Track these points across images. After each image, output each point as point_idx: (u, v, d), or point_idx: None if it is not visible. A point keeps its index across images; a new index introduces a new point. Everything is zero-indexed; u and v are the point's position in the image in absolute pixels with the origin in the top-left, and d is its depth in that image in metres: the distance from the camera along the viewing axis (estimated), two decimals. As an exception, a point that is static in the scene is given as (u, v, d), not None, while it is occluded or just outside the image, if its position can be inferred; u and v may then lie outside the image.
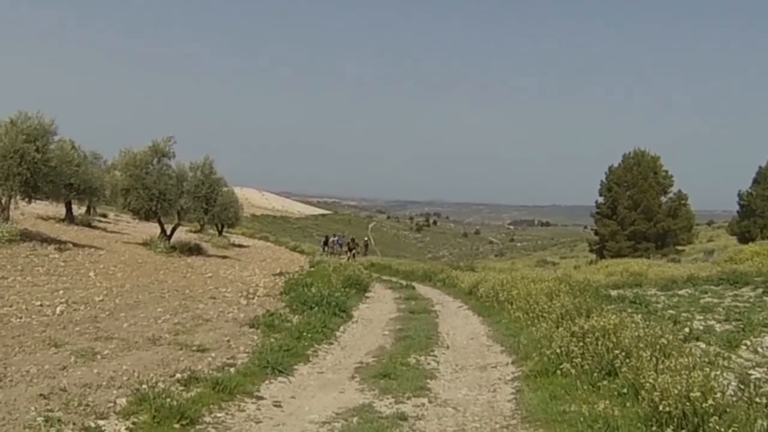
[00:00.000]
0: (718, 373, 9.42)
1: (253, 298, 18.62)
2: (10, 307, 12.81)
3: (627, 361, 10.12)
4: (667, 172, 64.82)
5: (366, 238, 55.52)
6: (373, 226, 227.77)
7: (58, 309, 13.27)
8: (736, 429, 6.62)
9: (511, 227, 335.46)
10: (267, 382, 10.78)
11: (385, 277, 37.82)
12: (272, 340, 13.53)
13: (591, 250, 71.20)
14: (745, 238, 55.38)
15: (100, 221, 37.10)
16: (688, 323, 16.34)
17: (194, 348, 11.91)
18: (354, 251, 51.64)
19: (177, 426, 7.96)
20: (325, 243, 52.82)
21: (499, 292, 21.81)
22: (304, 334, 14.60)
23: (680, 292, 21.25)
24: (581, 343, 11.53)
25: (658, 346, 10.54)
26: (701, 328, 15.93)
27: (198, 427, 8.18)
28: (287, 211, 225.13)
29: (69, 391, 8.48)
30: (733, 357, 13.43)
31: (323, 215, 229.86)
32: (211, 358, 11.47)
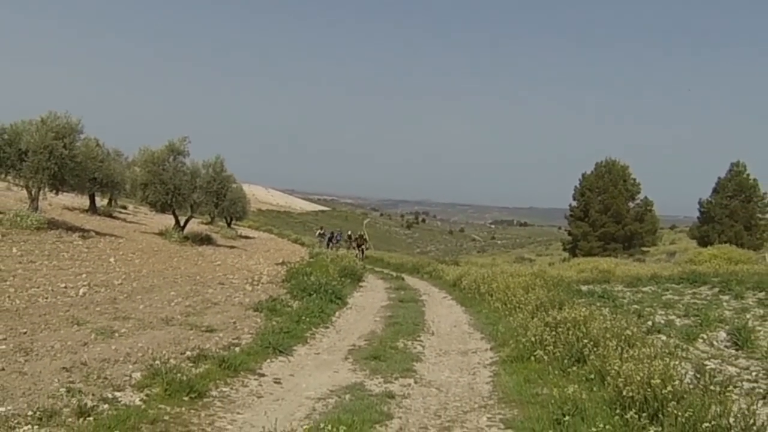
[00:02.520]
0: (677, 363, 9.44)
1: (257, 285, 18.62)
2: (38, 288, 12.80)
3: (595, 349, 10.15)
4: (635, 180, 64.89)
5: (361, 232, 49.99)
6: (368, 222, 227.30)
7: (81, 291, 13.27)
8: (692, 413, 6.64)
9: (493, 226, 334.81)
10: (268, 360, 10.79)
11: (377, 269, 37.80)
12: (274, 323, 13.53)
13: (564, 249, 71.17)
14: (704, 242, 55.43)
15: (120, 212, 37.04)
16: (651, 317, 16.37)
17: (203, 328, 11.93)
18: (363, 247, 44.46)
19: (186, 399, 7.98)
20: (330, 239, 47.88)
21: (481, 285, 21.83)
22: (303, 318, 14.59)
23: (644, 289, 21.25)
24: (554, 333, 11.58)
25: (623, 337, 10.58)
26: (662, 322, 15.95)
27: (205, 400, 8.19)
28: (290, 206, 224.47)
29: (89, 365, 8.50)
30: (691, 349, 13.46)
31: (322, 211, 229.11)
32: (218, 338, 11.49)
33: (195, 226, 34.96)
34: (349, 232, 51.61)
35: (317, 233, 53.64)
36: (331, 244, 45.08)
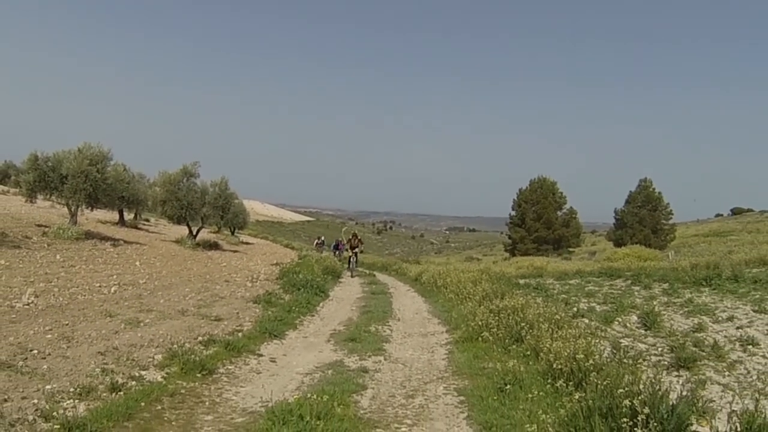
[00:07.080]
0: (597, 341, 9.58)
1: (256, 282, 18.55)
2: (77, 287, 12.70)
3: (530, 331, 10.25)
4: (562, 193, 65.37)
5: (354, 231, 40.43)
6: (345, 230, 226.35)
7: (112, 289, 13.18)
8: (609, 381, 6.72)
9: (447, 232, 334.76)
10: (265, 343, 10.78)
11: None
12: (270, 312, 13.52)
13: (506, 250, 71.47)
14: (618, 244, 55.99)
15: (144, 224, 36.66)
16: (576, 304, 16.53)
17: (212, 318, 11.89)
18: (357, 249, 30.47)
19: (199, 375, 7.98)
20: (336, 247, 43.03)
21: (437, 280, 21.92)
22: (293, 308, 14.60)
23: (571, 282, 21.42)
24: (497, 318, 11.66)
25: (553, 321, 10.69)
26: (585, 308, 16.11)
27: (214, 376, 8.20)
28: (282, 217, 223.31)
29: (119, 350, 8.46)
30: (609, 330, 13.62)
31: (308, 221, 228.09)
32: (224, 325, 11.45)
33: (205, 234, 34.71)
34: (354, 232, 34.91)
35: (315, 243, 52.49)
36: (336, 252, 43.39)
